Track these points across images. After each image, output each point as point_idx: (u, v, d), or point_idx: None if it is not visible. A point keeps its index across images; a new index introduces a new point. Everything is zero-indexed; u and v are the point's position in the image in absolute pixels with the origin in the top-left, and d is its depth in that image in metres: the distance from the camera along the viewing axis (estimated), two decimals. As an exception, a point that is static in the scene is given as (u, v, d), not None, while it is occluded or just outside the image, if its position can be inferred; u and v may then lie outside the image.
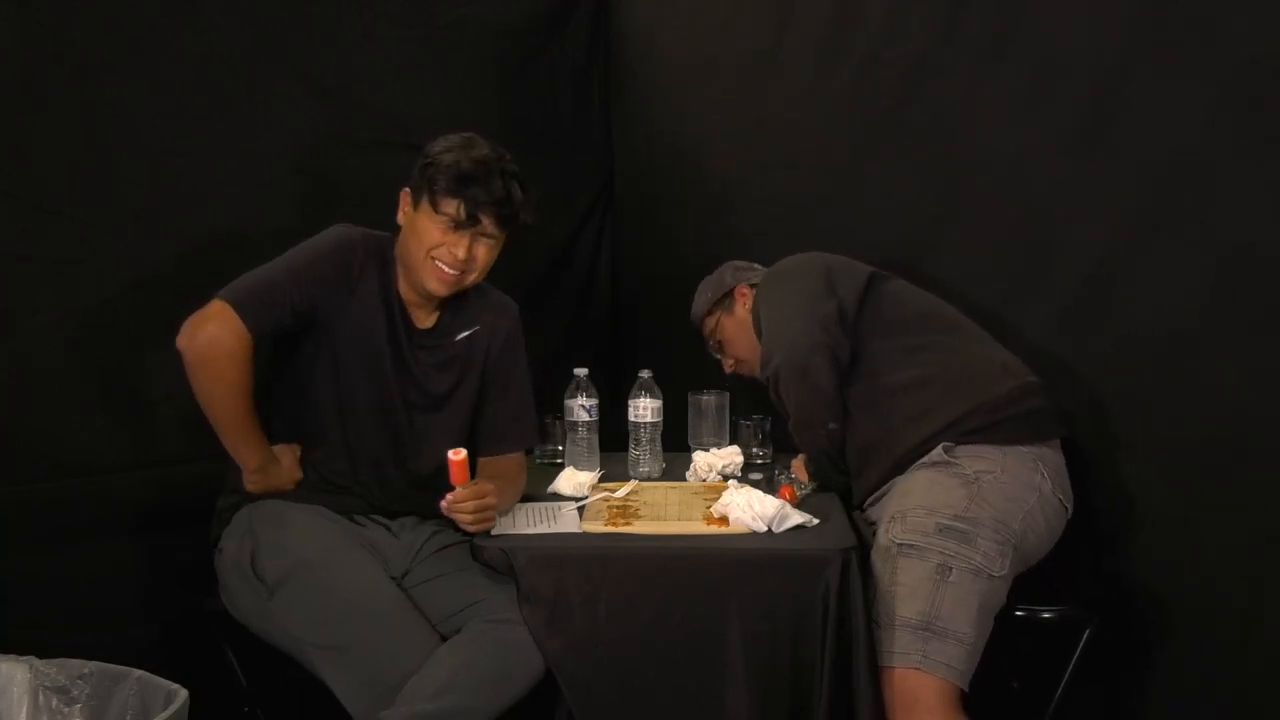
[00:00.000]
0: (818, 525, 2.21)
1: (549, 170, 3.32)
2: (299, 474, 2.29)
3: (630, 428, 2.57)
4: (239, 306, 2.14)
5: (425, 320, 2.35)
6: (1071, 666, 2.30)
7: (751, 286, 2.65)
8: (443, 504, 2.13)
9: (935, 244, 2.71)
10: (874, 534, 2.34)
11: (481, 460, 2.40)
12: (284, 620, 2.15)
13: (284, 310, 2.20)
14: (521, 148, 3.20)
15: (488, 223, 2.24)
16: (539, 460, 2.69)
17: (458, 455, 2.10)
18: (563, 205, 3.40)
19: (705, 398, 2.70)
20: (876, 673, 2.09)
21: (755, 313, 2.58)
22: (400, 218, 2.29)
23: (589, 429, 2.56)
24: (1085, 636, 2.29)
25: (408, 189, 2.28)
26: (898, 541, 2.17)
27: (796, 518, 2.20)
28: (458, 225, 2.22)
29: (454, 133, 2.30)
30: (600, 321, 3.49)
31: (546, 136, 3.31)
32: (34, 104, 2.33)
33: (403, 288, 2.33)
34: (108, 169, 2.43)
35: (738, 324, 2.66)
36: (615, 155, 3.45)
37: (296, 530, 2.22)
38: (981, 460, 2.24)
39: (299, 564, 2.16)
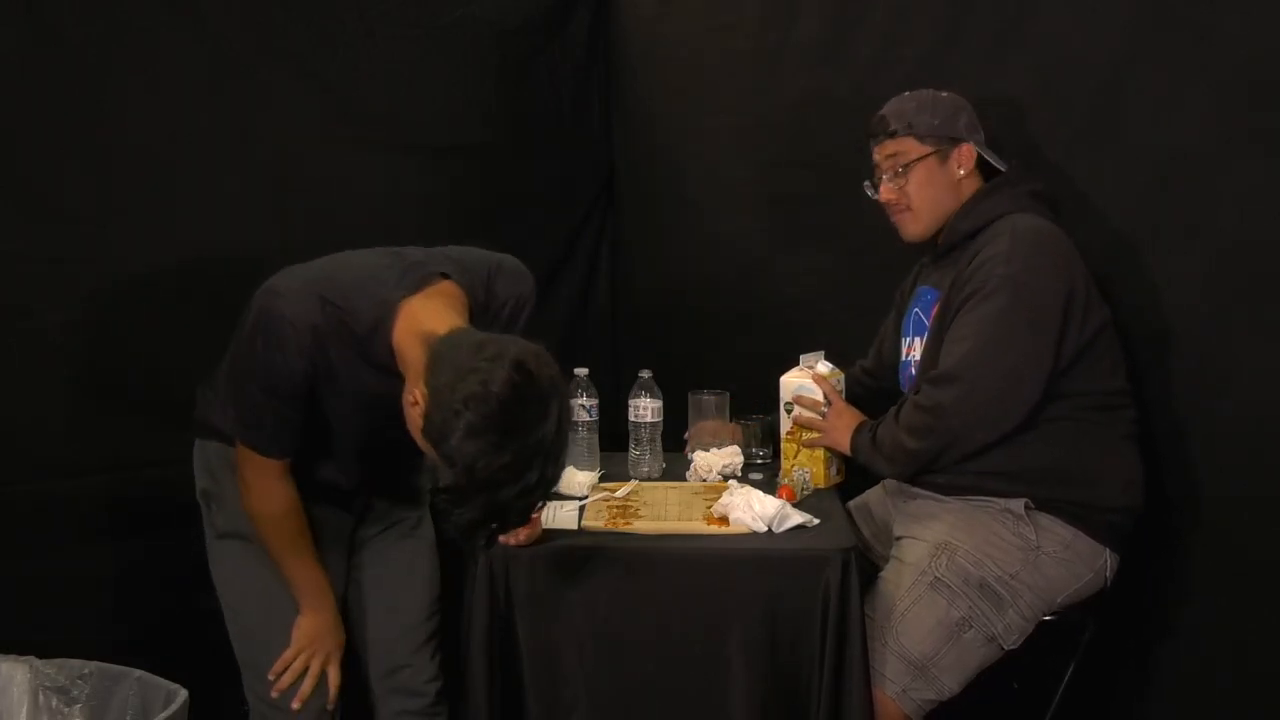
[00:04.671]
0: (818, 525, 2.21)
1: (549, 170, 3.33)
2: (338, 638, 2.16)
3: (630, 428, 2.57)
4: (275, 454, 2.00)
5: None
6: (1072, 667, 2.30)
7: (974, 150, 2.32)
8: (502, 540, 2.05)
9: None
10: (892, 528, 2.36)
11: None
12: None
13: (299, 416, 1.98)
14: (522, 148, 3.24)
15: None
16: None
17: (537, 513, 2.07)
18: (563, 205, 3.39)
19: (705, 398, 2.69)
20: (868, 675, 2.08)
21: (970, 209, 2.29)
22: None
23: (589, 429, 2.55)
24: (1085, 637, 2.29)
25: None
26: (937, 575, 2.16)
27: (796, 518, 2.20)
28: None
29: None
30: (600, 321, 3.49)
31: (546, 136, 3.31)
32: (34, 104, 2.33)
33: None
34: (108, 169, 2.43)
35: (945, 180, 2.32)
36: (615, 155, 3.45)
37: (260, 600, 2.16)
38: (1052, 535, 2.20)
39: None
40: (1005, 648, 2.16)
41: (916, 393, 2.24)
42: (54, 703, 1.92)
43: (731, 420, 2.68)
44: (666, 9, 3.27)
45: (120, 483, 2.47)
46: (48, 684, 1.92)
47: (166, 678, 1.92)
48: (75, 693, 1.93)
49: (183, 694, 1.89)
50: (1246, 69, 2.08)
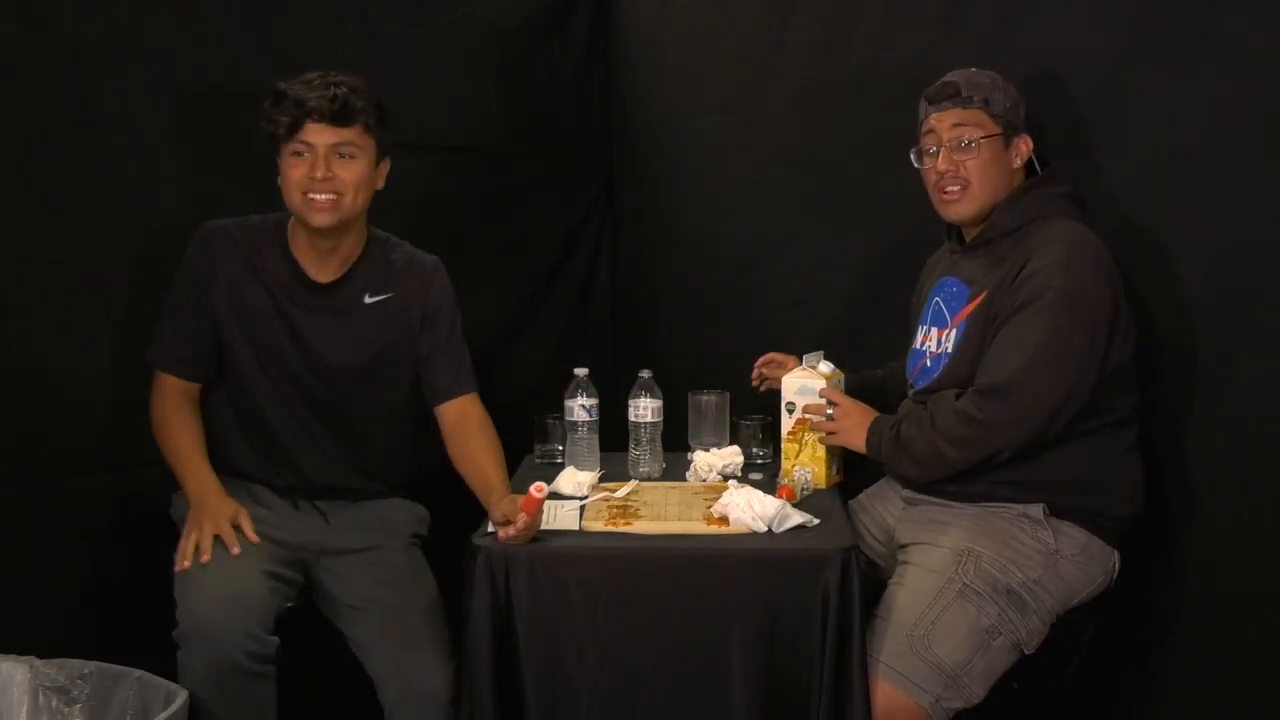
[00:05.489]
0: (818, 525, 2.21)
1: (549, 170, 3.33)
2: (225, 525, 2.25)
3: (630, 428, 2.57)
4: (166, 367, 2.34)
5: (326, 274, 2.36)
6: (1072, 666, 2.30)
7: (1030, 145, 2.29)
8: (501, 535, 2.11)
9: (934, 243, 2.70)
10: (893, 534, 2.35)
11: (443, 409, 2.45)
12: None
13: (200, 336, 2.33)
14: (522, 147, 3.24)
15: (327, 132, 2.24)
16: (539, 460, 2.68)
17: (540, 492, 2.08)
18: (563, 205, 3.39)
19: (705, 398, 2.69)
20: (867, 675, 2.07)
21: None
22: (279, 181, 2.30)
23: (589, 429, 2.55)
24: (1086, 636, 2.29)
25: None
26: (965, 582, 2.14)
27: (796, 518, 2.20)
28: (307, 148, 2.24)
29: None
30: (600, 321, 3.49)
31: (546, 136, 3.31)
32: (34, 104, 2.33)
33: (300, 248, 2.35)
34: (107, 169, 2.43)
35: (1005, 166, 2.28)
36: (615, 155, 3.45)
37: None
38: (1068, 539, 2.21)
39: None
40: (1026, 653, 2.15)
41: (958, 398, 2.20)
42: (54, 703, 1.92)
43: (731, 420, 2.68)
44: (666, 9, 3.27)
45: (120, 483, 2.47)
46: (48, 684, 1.93)
47: (166, 678, 1.92)
48: (75, 693, 1.93)
49: (183, 694, 1.89)
50: (1246, 69, 2.08)
